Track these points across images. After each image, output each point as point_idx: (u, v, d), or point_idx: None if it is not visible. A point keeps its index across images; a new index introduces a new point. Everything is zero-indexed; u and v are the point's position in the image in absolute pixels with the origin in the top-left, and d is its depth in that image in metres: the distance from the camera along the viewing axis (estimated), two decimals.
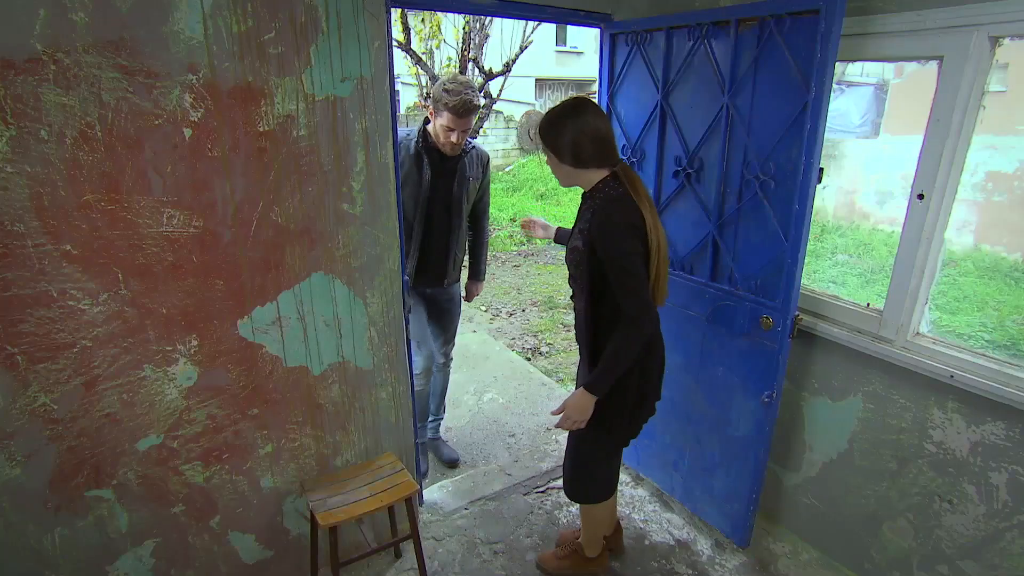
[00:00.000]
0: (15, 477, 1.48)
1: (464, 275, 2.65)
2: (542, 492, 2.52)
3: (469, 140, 2.33)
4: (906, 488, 1.84)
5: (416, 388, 2.60)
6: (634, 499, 2.46)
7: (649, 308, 1.55)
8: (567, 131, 1.57)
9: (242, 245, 1.62)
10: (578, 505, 2.18)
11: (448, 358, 2.71)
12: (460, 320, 2.72)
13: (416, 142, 2.24)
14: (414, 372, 2.37)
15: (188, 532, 1.76)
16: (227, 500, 1.80)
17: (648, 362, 1.71)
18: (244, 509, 1.84)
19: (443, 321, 2.59)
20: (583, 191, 1.68)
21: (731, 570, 2.11)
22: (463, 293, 2.69)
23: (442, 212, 2.33)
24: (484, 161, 2.43)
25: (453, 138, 2.17)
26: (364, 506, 1.76)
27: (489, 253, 2.81)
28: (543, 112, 13.99)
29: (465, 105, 2.09)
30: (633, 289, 1.53)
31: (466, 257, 2.65)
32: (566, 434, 2.89)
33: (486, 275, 2.79)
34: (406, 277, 1.97)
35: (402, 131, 2.16)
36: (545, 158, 1.68)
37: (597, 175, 1.61)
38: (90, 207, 1.41)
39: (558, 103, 1.65)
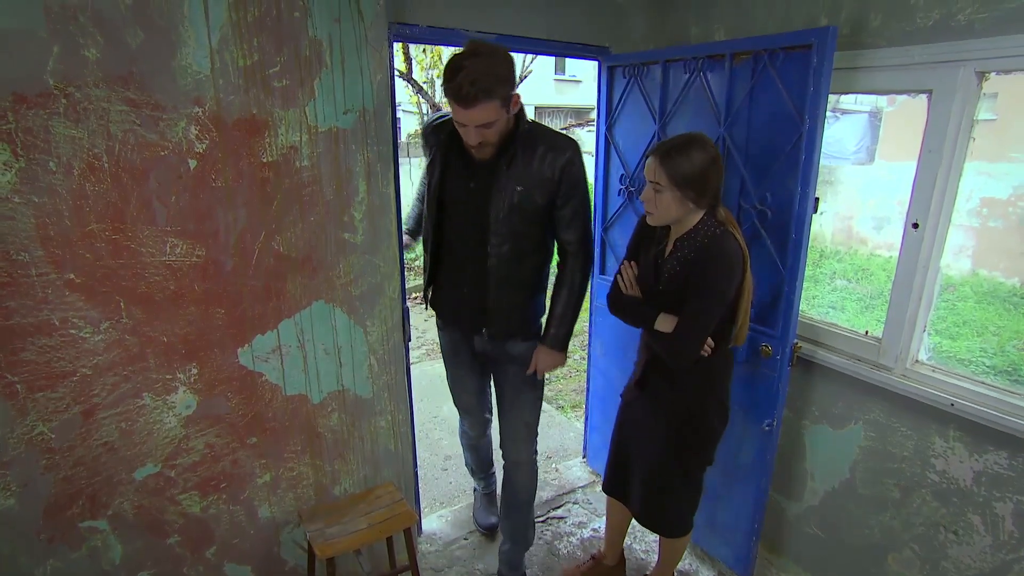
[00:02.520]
0: (9, 507, 1.46)
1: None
2: (542, 522, 2.48)
3: (532, 124, 1.64)
4: (910, 518, 1.82)
5: (466, 441, 2.30)
6: (635, 529, 2.42)
7: (695, 348, 1.57)
8: (698, 163, 1.48)
9: (244, 274, 1.63)
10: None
11: (515, 458, 1.95)
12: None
13: (448, 132, 1.65)
14: (461, 427, 2.23)
15: (183, 564, 1.74)
16: (224, 530, 1.78)
17: (726, 383, 1.74)
18: (241, 540, 1.81)
19: (499, 390, 1.94)
20: (672, 235, 1.63)
21: None
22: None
23: (471, 231, 1.69)
24: (561, 163, 1.62)
25: (469, 139, 1.51)
26: (362, 537, 1.73)
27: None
28: None
29: (468, 89, 1.39)
30: (702, 328, 1.54)
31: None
32: (567, 462, 2.87)
33: (567, 343, 1.82)
34: (407, 305, 1.90)
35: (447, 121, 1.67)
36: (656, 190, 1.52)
37: (699, 215, 1.58)
38: (94, 236, 1.42)
39: (677, 136, 1.54)
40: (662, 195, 1.52)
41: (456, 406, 2.15)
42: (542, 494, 2.66)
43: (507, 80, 1.46)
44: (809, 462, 2.07)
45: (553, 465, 2.90)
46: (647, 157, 1.56)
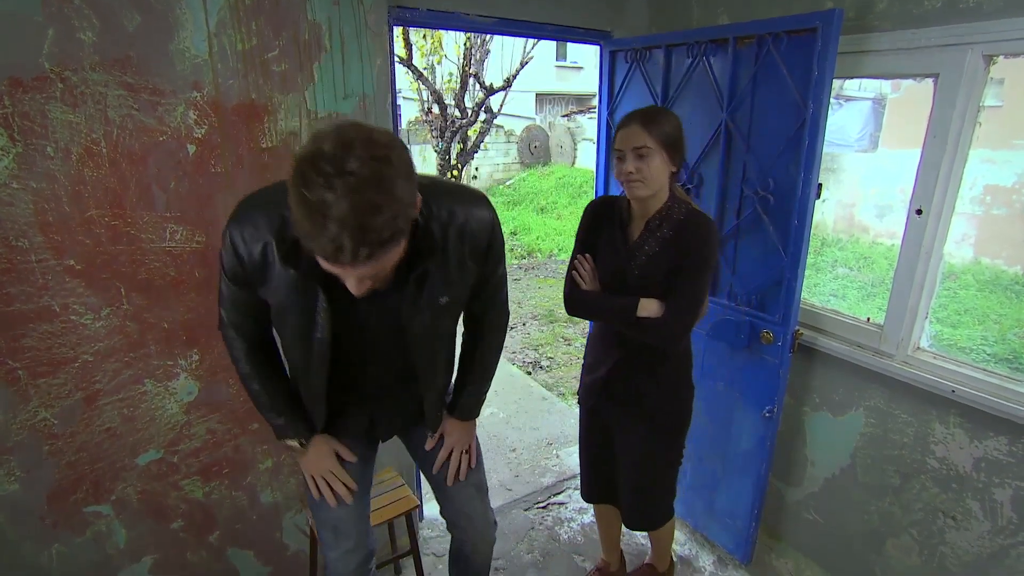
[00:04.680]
0: (13, 492, 1.47)
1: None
2: (543, 508, 2.50)
3: (431, 205, 1.10)
4: (909, 504, 1.83)
5: None
6: None
7: (692, 328, 1.53)
8: (675, 124, 1.47)
9: None
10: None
11: (471, 529, 1.51)
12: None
13: (290, 247, 1.02)
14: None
15: (187, 548, 1.75)
16: (226, 515, 1.79)
17: (691, 367, 1.70)
18: (243, 525, 1.83)
19: (425, 461, 1.49)
20: (638, 215, 1.55)
21: None
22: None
23: (383, 354, 1.26)
24: (478, 240, 1.16)
25: (351, 287, 0.96)
26: None
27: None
28: (543, 126, 13.93)
29: (353, 247, 0.83)
30: (698, 304, 1.50)
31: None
32: (568, 448, 2.89)
33: (478, 408, 1.49)
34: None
35: (262, 206, 1.07)
36: (645, 160, 1.43)
37: (667, 192, 1.51)
38: (94, 222, 1.42)
39: (645, 107, 1.52)
40: (651, 159, 1.44)
41: (325, 530, 1.38)
42: (543, 480, 2.67)
43: (409, 199, 0.89)
44: (809, 448, 2.08)
45: (554, 451, 2.92)
46: (619, 129, 1.48)
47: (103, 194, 1.42)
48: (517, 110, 12.36)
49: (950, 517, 1.74)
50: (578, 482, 2.48)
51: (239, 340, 1.23)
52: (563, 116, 14.76)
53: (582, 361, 1.84)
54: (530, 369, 4.14)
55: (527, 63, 7.00)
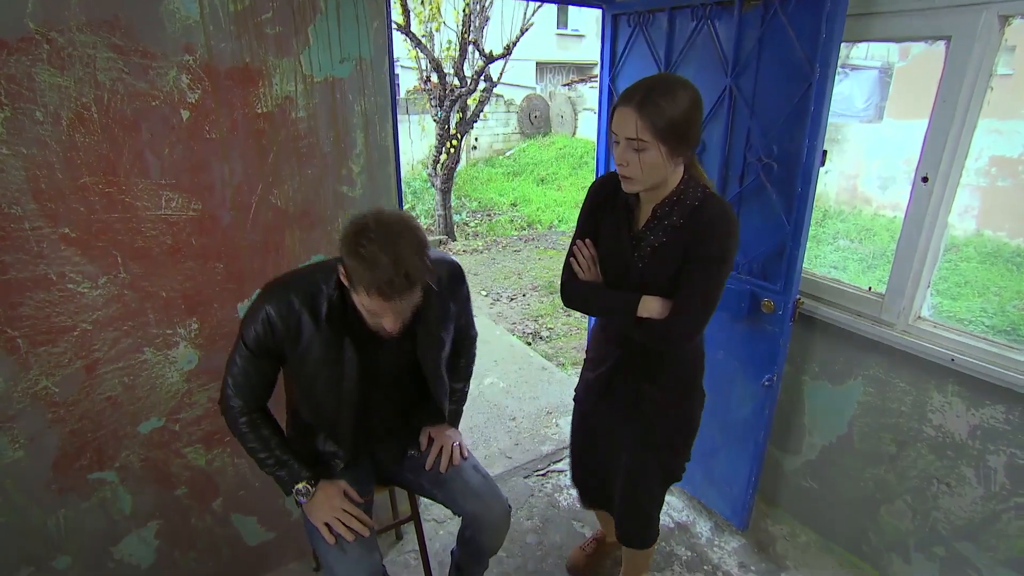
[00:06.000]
0: (19, 459, 1.49)
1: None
2: (543, 475, 2.54)
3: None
4: (905, 471, 1.85)
5: None
6: None
7: (701, 332, 1.35)
8: (685, 104, 1.21)
9: (241, 228, 1.61)
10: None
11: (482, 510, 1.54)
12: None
13: (325, 310, 1.30)
14: None
15: (191, 514, 1.78)
16: (229, 482, 1.81)
17: (702, 371, 1.53)
18: (246, 491, 1.85)
19: (418, 476, 1.60)
20: (646, 200, 1.36)
21: (730, 552, 2.13)
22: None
23: (391, 392, 1.51)
24: (454, 285, 1.47)
25: (387, 325, 1.24)
26: None
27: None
28: (543, 96, 13.70)
29: (403, 284, 1.15)
30: (712, 304, 1.31)
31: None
32: (568, 417, 2.91)
33: (460, 417, 1.70)
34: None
35: (295, 285, 1.31)
36: (637, 146, 1.23)
37: (680, 173, 1.31)
38: (88, 189, 1.40)
39: (645, 79, 1.25)
40: (646, 154, 1.22)
41: (329, 551, 1.38)
42: (542, 448, 2.71)
43: (426, 254, 1.21)
44: (808, 417, 2.10)
45: (554, 420, 2.95)
46: (615, 108, 1.25)
47: (96, 160, 1.39)
48: (517, 79, 12.15)
49: (944, 483, 1.76)
50: None
51: (241, 408, 1.38)
52: (564, 85, 14.52)
53: (586, 342, 1.69)
54: (530, 340, 4.15)
55: (527, 30, 6.83)
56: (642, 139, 1.21)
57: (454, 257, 1.52)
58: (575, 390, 1.68)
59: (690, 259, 1.30)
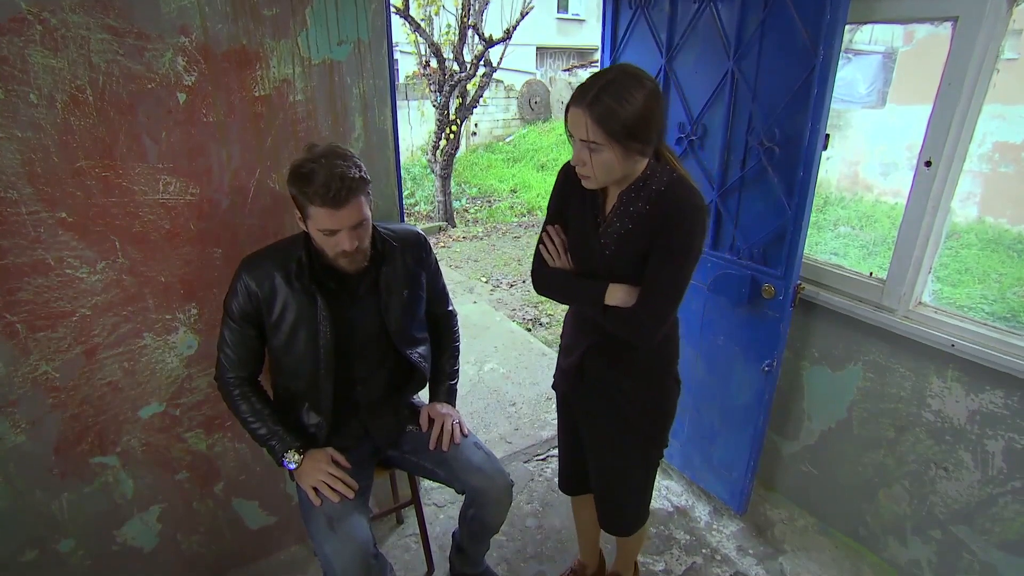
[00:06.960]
0: (21, 444, 1.49)
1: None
2: (542, 460, 2.55)
3: (379, 228, 1.51)
4: (903, 456, 1.86)
5: None
6: None
7: (667, 323, 1.31)
8: (639, 102, 1.15)
9: (240, 213, 1.60)
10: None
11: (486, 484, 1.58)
12: (459, 309, 1.85)
13: (295, 269, 1.41)
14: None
15: (192, 498, 1.79)
16: (230, 467, 1.82)
17: (678, 354, 1.50)
18: (247, 476, 1.86)
19: (419, 456, 1.64)
20: (613, 187, 1.32)
21: (728, 536, 2.14)
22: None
23: (368, 355, 1.55)
24: (417, 250, 1.58)
25: (344, 244, 1.33)
26: None
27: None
28: (543, 81, 13.53)
29: (339, 185, 1.26)
30: (677, 294, 1.28)
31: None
32: None
33: (455, 395, 1.75)
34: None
35: (267, 254, 1.44)
36: (583, 135, 1.18)
37: (645, 161, 1.27)
38: (84, 173, 1.39)
39: (598, 73, 1.21)
40: (600, 154, 1.18)
41: (318, 522, 1.41)
42: (542, 433, 2.72)
43: (363, 166, 1.35)
44: (807, 402, 2.10)
45: (553, 406, 2.95)
46: (567, 107, 1.20)
47: (92, 144, 1.38)
48: (517, 64, 12.03)
49: (942, 468, 1.77)
50: None
51: (235, 380, 1.48)
52: (564, 71, 14.38)
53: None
54: (530, 326, 4.16)
55: (528, 13, 6.75)
56: (595, 141, 1.17)
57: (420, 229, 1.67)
58: (553, 377, 1.65)
59: (655, 249, 1.26)
